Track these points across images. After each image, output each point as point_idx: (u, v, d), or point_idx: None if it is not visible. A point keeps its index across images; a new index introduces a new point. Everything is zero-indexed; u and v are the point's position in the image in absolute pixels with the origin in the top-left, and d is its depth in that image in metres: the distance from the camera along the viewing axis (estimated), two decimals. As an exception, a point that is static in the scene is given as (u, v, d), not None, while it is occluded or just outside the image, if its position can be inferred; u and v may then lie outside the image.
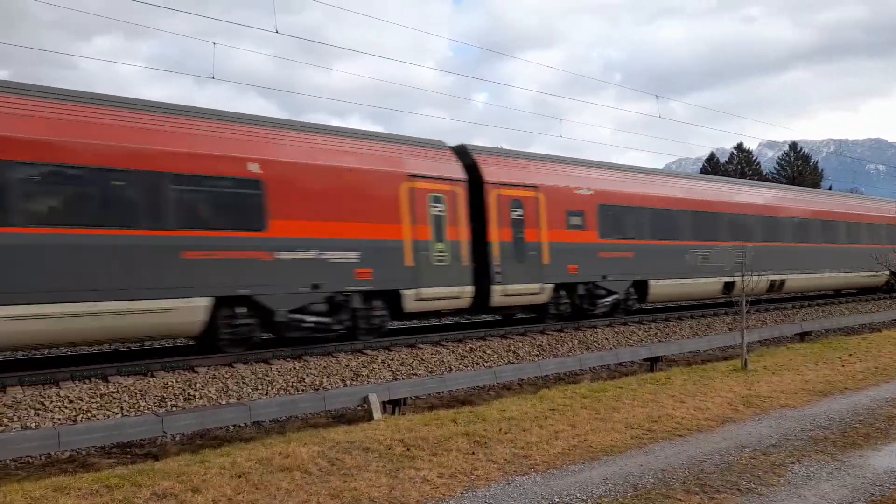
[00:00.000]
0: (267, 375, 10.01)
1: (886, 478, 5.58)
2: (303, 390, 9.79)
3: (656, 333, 15.90)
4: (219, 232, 10.24)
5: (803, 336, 16.12)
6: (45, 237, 8.90)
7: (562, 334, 14.47)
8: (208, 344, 10.92)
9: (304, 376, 10.19)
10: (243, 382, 9.68)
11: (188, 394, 9.16)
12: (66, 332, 9.20)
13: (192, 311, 9.92)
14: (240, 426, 8.54)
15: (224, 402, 9.01)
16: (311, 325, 11.28)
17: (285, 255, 10.87)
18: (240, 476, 5.82)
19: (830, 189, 60.37)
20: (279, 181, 10.84)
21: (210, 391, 9.30)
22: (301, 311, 11.16)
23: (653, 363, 12.57)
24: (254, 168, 10.66)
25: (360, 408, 8.82)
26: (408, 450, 6.64)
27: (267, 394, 9.56)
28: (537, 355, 12.93)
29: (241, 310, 10.53)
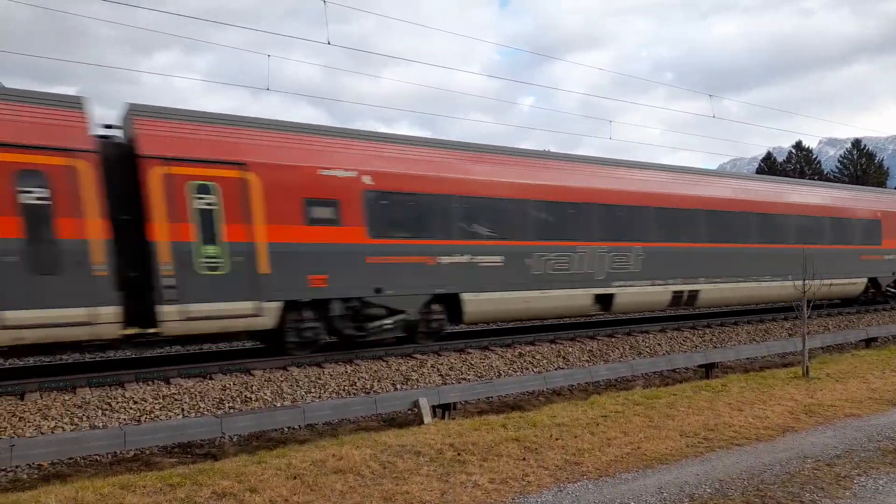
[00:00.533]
0: (319, 379, 10.21)
1: (963, 493, 5.30)
2: (354, 394, 9.94)
3: (711, 339, 15.47)
4: None
5: (869, 342, 15.39)
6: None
7: (613, 339, 14.24)
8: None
9: (356, 380, 10.35)
10: (297, 385, 9.90)
11: (245, 396, 9.43)
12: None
13: None
14: (294, 428, 8.74)
15: (279, 405, 9.24)
16: None
17: None
18: (295, 477, 5.97)
19: (897, 188, 57.46)
20: None
21: (265, 393, 9.54)
22: None
23: (708, 370, 12.23)
24: None
25: (410, 412, 8.89)
26: (458, 454, 6.67)
27: (320, 397, 9.76)
28: (588, 361, 12.76)
29: None
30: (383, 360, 11.34)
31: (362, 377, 10.49)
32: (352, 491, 5.68)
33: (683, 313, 19.39)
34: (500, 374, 11.39)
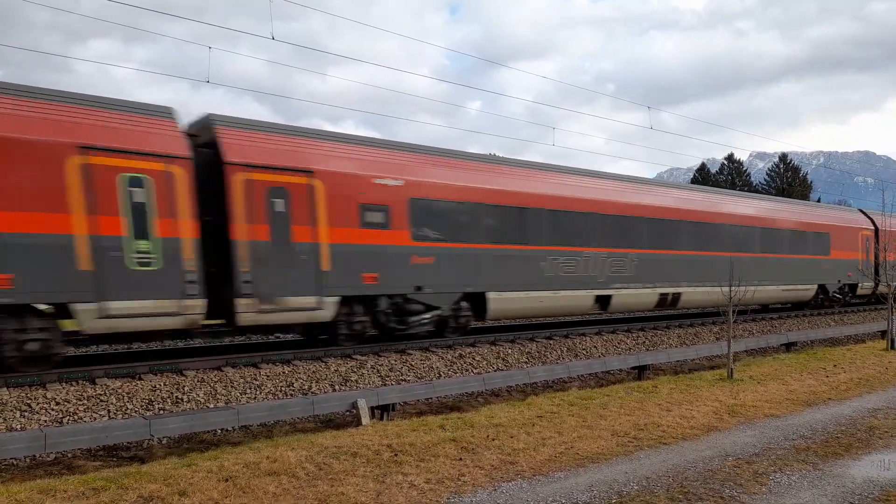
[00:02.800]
0: (256, 379, 10.01)
1: (865, 487, 5.67)
2: (291, 395, 9.79)
3: (644, 342, 16.00)
4: None
5: (789, 346, 16.24)
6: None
7: (551, 342, 14.53)
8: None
9: (293, 381, 10.20)
10: (232, 386, 9.68)
11: (176, 397, 9.15)
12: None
13: None
14: (228, 430, 8.54)
15: (212, 406, 9.01)
16: None
17: None
18: (227, 480, 5.83)
19: (819, 201, 60.96)
20: None
21: (198, 394, 9.29)
22: None
23: (640, 371, 12.65)
24: None
25: (348, 413, 8.84)
26: (396, 455, 6.68)
27: (255, 398, 9.57)
28: (526, 362, 12.98)
29: None
30: (322, 361, 11.21)
31: (300, 378, 10.35)
32: (285, 493, 5.60)
33: (618, 317, 19.98)
34: (440, 376, 11.45)
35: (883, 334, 16.35)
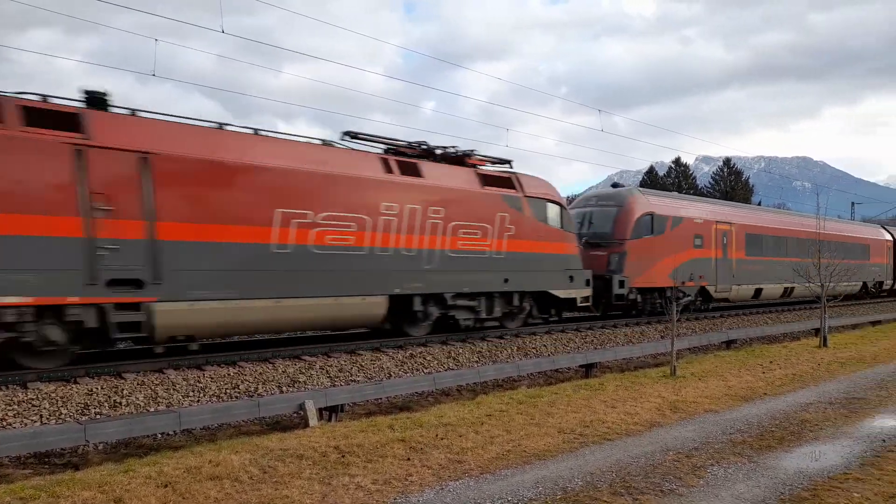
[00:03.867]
0: (199, 382, 9.74)
1: (796, 478, 5.92)
2: (237, 397, 9.58)
3: (593, 340, 16.30)
4: None
5: (729, 344, 16.82)
6: None
7: (502, 341, 14.65)
8: None
9: (239, 383, 9.98)
10: (174, 389, 9.39)
11: (114, 401, 8.82)
12: None
13: None
14: (169, 434, 8.28)
15: (152, 409, 8.72)
16: None
17: None
18: (166, 485, 5.66)
19: (759, 204, 63.31)
20: None
21: (138, 398, 8.98)
22: None
23: (588, 369, 12.87)
24: None
25: (296, 415, 8.70)
26: (343, 456, 6.61)
27: (199, 401, 9.31)
28: (477, 361, 13.04)
29: None
30: (269, 363, 11.00)
31: (246, 380, 10.12)
32: (227, 497, 5.48)
33: (567, 317, 20.28)
34: (391, 376, 11.40)
35: (816, 332, 17.10)
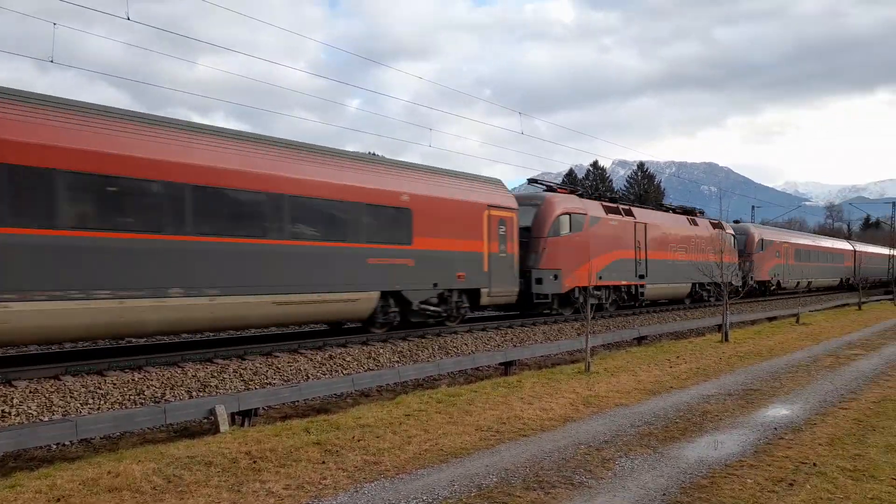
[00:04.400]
0: (100, 388, 9.18)
1: (696, 466, 6.22)
2: (142, 403, 9.08)
3: (512, 338, 16.59)
4: None
5: (640, 340, 17.55)
6: None
7: (423, 340, 14.65)
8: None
9: (144, 388, 9.46)
10: (71, 396, 8.79)
11: (2, 411, 8.16)
12: None
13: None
14: (65, 445, 7.75)
15: (46, 419, 8.13)
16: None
17: None
18: (58, 500, 5.28)
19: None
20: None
21: (30, 406, 8.35)
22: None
23: (507, 367, 13.07)
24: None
25: (206, 420, 8.34)
26: (254, 462, 6.40)
27: (99, 408, 8.76)
28: (398, 361, 12.98)
29: None
30: (178, 367, 10.49)
31: (152, 385, 9.62)
32: (127, 510, 5.17)
33: (488, 315, 20.56)
34: (309, 378, 11.15)
35: (719, 328, 18.12)
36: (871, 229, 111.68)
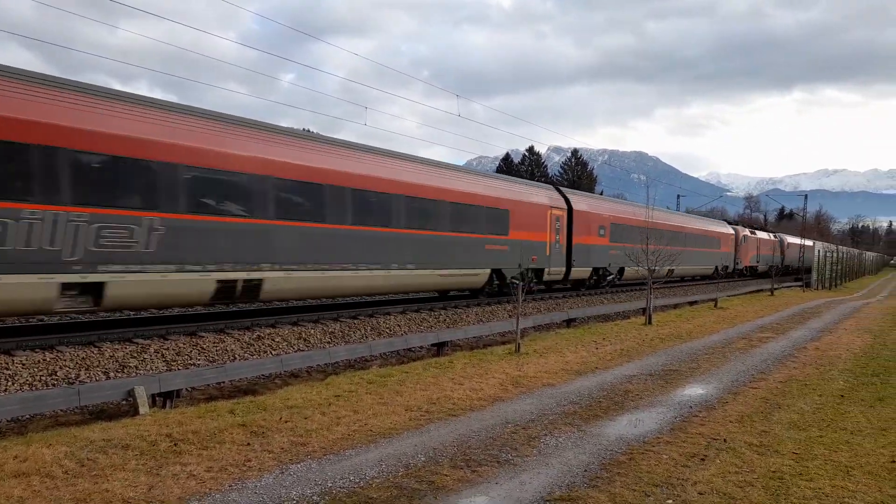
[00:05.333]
0: (8, 368, 8.65)
1: (617, 444, 6.47)
2: (54, 384, 8.62)
3: (446, 320, 16.71)
4: None
5: (569, 322, 18.05)
6: None
7: (356, 321, 14.55)
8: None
9: (57, 369, 8.99)
10: (-25, 378, 8.26)
11: None
12: None
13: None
14: (-34, 429, 7.27)
15: (-54, 402, 7.59)
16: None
17: None
18: (-44, 487, 4.95)
19: (602, 194, 68.36)
20: None
21: (-73, 389, 7.78)
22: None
23: (440, 348, 13.17)
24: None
25: (125, 402, 8.01)
26: (175, 444, 6.20)
27: (6, 390, 8.26)
28: (329, 342, 12.84)
29: None
30: (94, 346, 10.02)
31: (66, 366, 9.15)
32: (35, 495, 4.90)
33: (423, 296, 20.63)
34: (236, 358, 10.87)
35: (643, 311, 18.85)
36: (785, 219, 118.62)
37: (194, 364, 10.19)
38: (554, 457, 6.05)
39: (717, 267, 41.48)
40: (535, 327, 16.78)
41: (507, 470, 5.69)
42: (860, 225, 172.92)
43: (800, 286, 40.94)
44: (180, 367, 9.87)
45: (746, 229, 50.18)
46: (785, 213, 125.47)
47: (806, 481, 5.47)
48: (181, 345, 10.73)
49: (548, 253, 22.63)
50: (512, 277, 20.42)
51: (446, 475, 5.55)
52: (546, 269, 22.68)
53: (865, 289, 46.88)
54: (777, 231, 69.60)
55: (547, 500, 5.03)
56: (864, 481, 5.51)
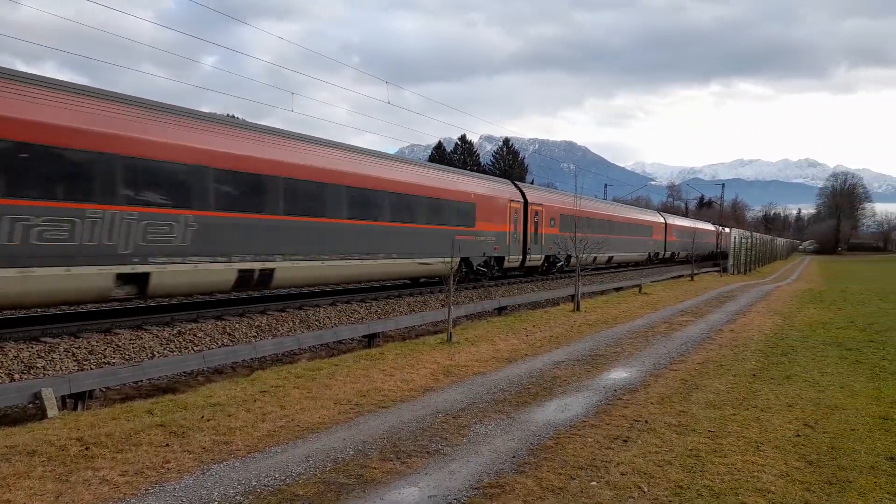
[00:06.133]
0: None
1: (545, 429, 6.58)
2: (-50, 390, 7.96)
3: (377, 311, 16.57)
4: None
5: (501, 310, 18.26)
6: None
7: (283, 314, 14.21)
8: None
9: (-47, 372, 8.32)
10: None
11: None
12: None
13: None
14: None
15: None
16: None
17: None
18: None
19: (532, 182, 69.70)
20: None
21: None
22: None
23: (371, 339, 13.03)
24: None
25: (32, 405, 7.51)
26: (87, 449, 5.85)
27: None
28: (255, 336, 12.48)
29: None
30: (-3, 347, 9.34)
31: (-36, 368, 8.48)
32: (-76, 512, 4.51)
33: (354, 287, 20.39)
34: (154, 356, 10.39)
35: (572, 298, 19.31)
36: (704, 207, 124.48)
37: (109, 363, 9.66)
38: (483, 445, 6.09)
39: (650, 254, 45.36)
40: (468, 316, 16.89)
41: (436, 460, 5.68)
42: (772, 212, 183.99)
43: (717, 271, 43.07)
44: (93, 367, 9.33)
45: (673, 217, 55.52)
46: (704, 201, 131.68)
47: (720, 458, 5.74)
48: (94, 343, 10.15)
49: (507, 242, 25.06)
50: (477, 265, 22.98)
51: (375, 468, 5.49)
52: (506, 258, 25.19)
53: (777, 272, 49.88)
54: (697, 218, 73.17)
55: (475, 489, 5.06)
56: (773, 455, 5.83)
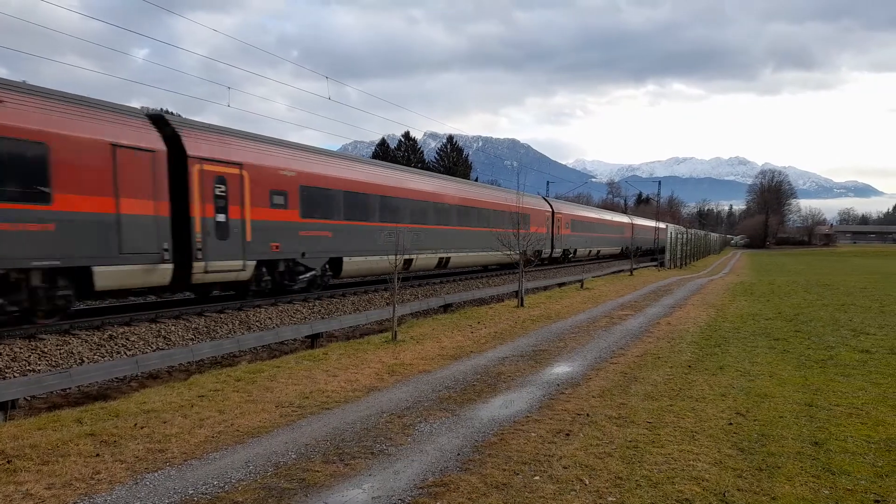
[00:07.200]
0: None
1: (489, 426, 6.62)
2: None
3: (320, 311, 16.31)
4: None
5: (447, 307, 18.29)
6: None
7: (222, 315, 13.81)
8: None
9: None
10: None
11: None
12: None
13: None
14: None
15: None
16: None
17: None
18: None
19: (477, 180, 70.22)
20: None
21: None
22: None
23: (314, 340, 12.82)
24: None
25: (-54, 418, 7.02)
26: (9, 462, 5.53)
27: None
28: (192, 339, 12.07)
29: None
30: None
31: None
32: None
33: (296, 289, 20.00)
34: (84, 361, 9.90)
35: (516, 294, 19.53)
36: (642, 204, 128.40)
37: (34, 370, 9.15)
38: (428, 443, 6.07)
39: (622, 248, 54.88)
40: (413, 314, 16.84)
41: (381, 460, 5.63)
42: (706, 208, 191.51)
43: (655, 266, 44.47)
44: (16, 375, 8.82)
45: (637, 218, 65.30)
46: (642, 198, 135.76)
47: (658, 448, 5.90)
48: (17, 349, 9.59)
49: (545, 240, 34.59)
50: (530, 256, 28.63)
51: (318, 471, 5.39)
52: (544, 251, 34.43)
53: (710, 266, 51.92)
54: (635, 215, 75.91)
55: (420, 488, 5.03)
56: (707, 444, 6.04)
